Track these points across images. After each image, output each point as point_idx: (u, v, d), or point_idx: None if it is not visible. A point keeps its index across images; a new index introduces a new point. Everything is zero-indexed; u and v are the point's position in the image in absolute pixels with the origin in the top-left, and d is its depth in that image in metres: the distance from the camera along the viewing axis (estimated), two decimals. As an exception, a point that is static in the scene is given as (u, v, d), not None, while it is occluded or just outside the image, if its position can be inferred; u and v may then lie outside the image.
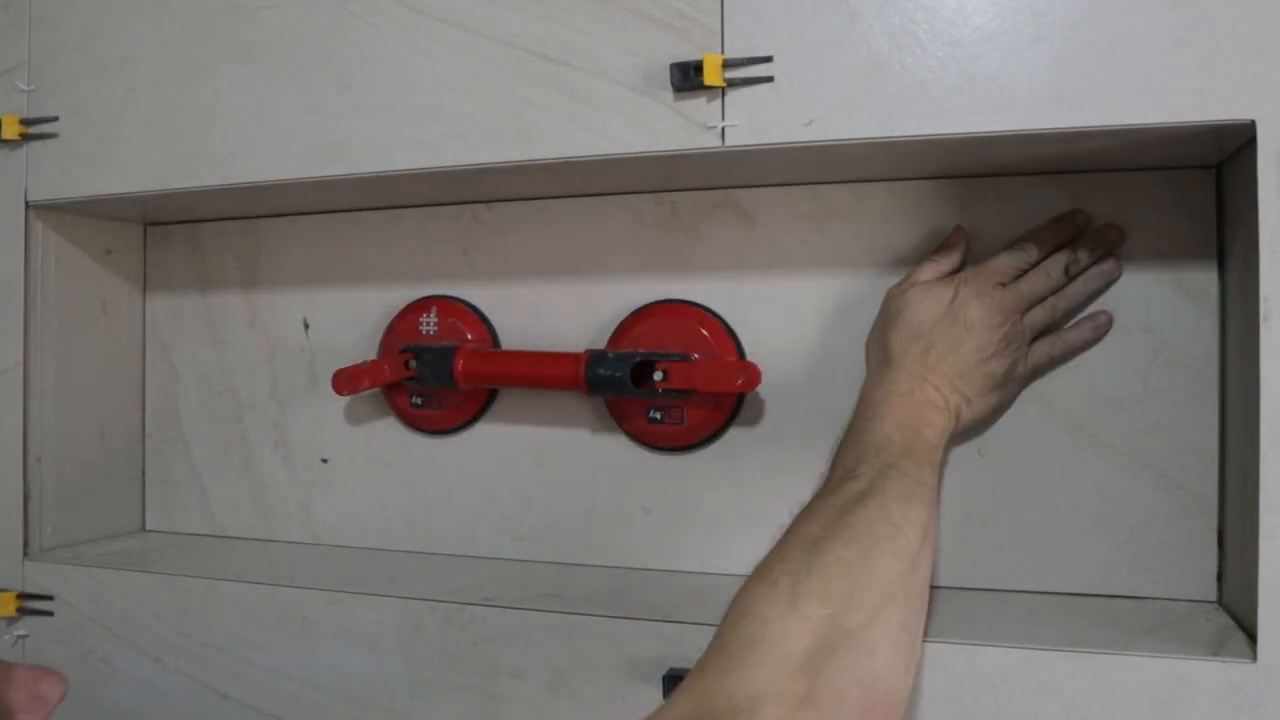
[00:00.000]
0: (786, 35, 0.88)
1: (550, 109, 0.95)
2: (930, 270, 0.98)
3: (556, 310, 1.16)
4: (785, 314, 1.07)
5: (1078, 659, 0.82)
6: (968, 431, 0.99)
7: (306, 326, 1.26)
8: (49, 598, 1.14)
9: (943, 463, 0.94)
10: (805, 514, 0.83)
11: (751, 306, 1.08)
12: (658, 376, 1.04)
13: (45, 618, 1.14)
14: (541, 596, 1.01)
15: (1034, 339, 0.97)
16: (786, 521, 1.06)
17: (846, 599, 0.74)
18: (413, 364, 1.15)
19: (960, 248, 1.00)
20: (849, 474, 0.84)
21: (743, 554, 1.07)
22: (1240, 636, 0.84)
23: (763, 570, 0.78)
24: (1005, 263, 0.96)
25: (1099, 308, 0.98)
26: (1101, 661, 0.81)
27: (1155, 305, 0.97)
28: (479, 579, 1.08)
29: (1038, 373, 0.99)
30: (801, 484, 1.06)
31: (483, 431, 1.19)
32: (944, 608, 0.95)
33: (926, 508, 0.83)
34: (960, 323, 0.93)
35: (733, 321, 1.09)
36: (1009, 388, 0.97)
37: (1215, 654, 0.80)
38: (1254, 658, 0.79)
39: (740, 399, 1.08)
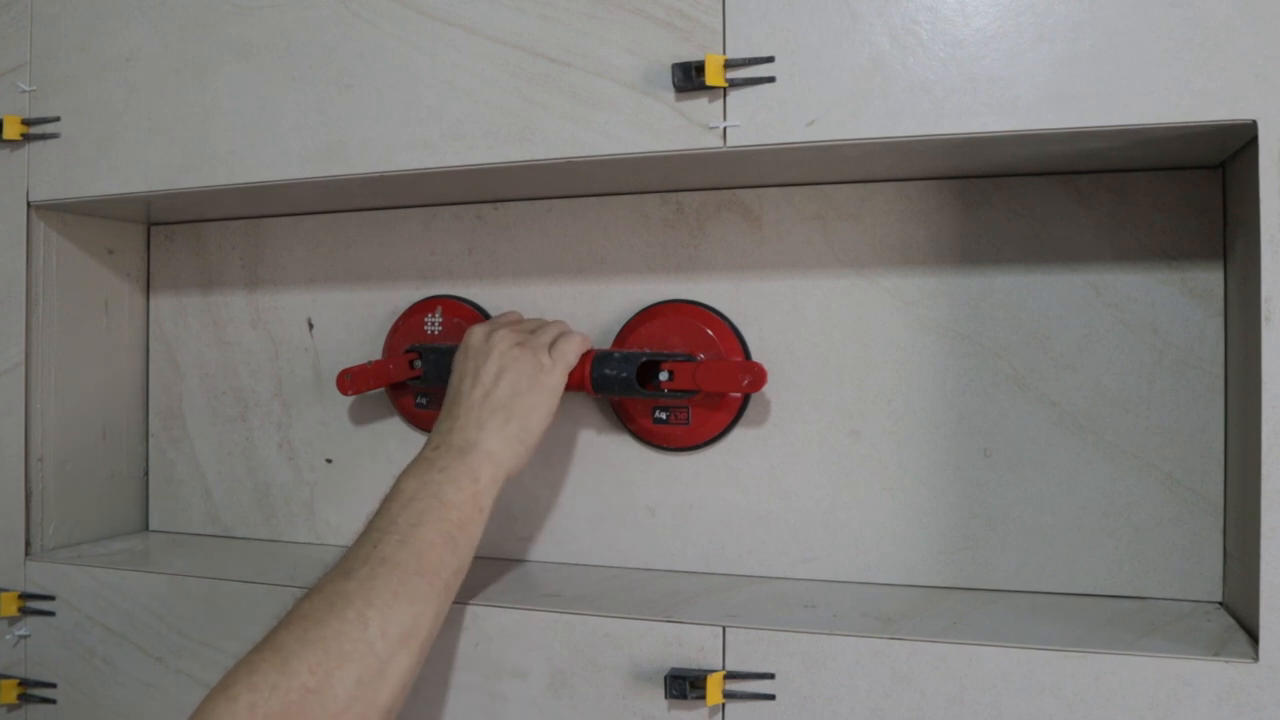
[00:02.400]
0: (788, 35, 0.88)
1: (551, 109, 0.95)
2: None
3: (562, 310, 1.15)
4: (791, 314, 1.07)
5: (1079, 659, 0.82)
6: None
7: (311, 326, 1.26)
8: (50, 597, 1.14)
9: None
10: (291, 614, 0.83)
11: (757, 307, 1.08)
12: (663, 377, 1.04)
13: (47, 617, 1.15)
14: (542, 596, 1.01)
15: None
16: (792, 522, 1.06)
17: None
18: (417, 364, 1.15)
19: None
20: (344, 573, 0.85)
21: (748, 554, 1.08)
22: (1242, 636, 0.84)
23: (231, 678, 0.77)
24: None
25: (1097, 308, 0.98)
26: (1103, 661, 0.81)
27: (1161, 305, 0.97)
28: (482, 579, 1.08)
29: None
30: (807, 484, 1.06)
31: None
32: (945, 608, 0.95)
33: (420, 602, 0.86)
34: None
35: (738, 322, 1.09)
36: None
37: (1217, 654, 0.80)
38: (1255, 658, 0.78)
39: (746, 399, 1.08)
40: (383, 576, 0.84)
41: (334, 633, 0.80)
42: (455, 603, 0.99)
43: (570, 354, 1.03)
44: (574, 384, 1.06)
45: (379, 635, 0.82)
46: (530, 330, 1.06)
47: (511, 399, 0.98)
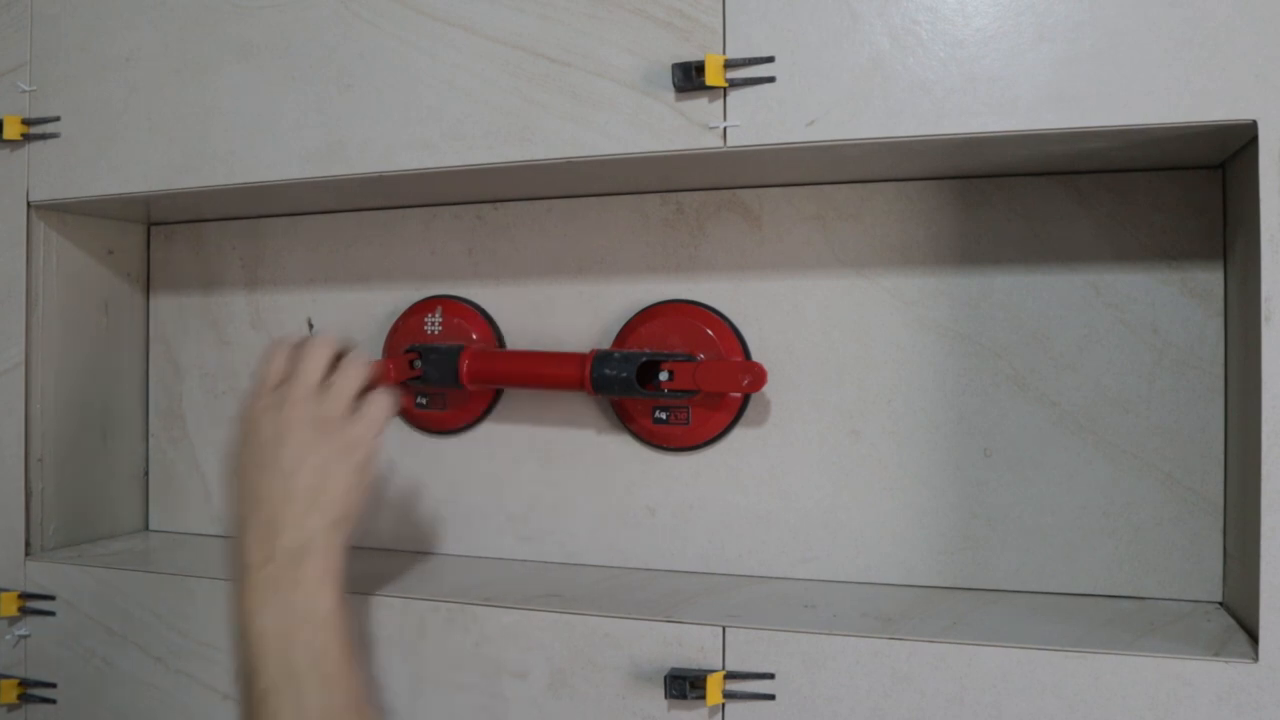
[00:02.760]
0: (788, 35, 0.88)
1: (551, 109, 0.95)
2: None
3: (562, 310, 1.16)
4: (791, 314, 1.07)
5: (1079, 659, 0.82)
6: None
7: (311, 326, 1.27)
8: (51, 597, 1.14)
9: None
10: None
11: (757, 307, 1.08)
12: (663, 376, 1.04)
13: (47, 617, 1.14)
14: (543, 596, 1.01)
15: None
16: (792, 522, 1.06)
17: None
18: (418, 364, 1.15)
19: None
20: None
21: (748, 554, 1.08)
22: (1242, 636, 0.84)
23: None
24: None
25: (1098, 308, 0.98)
26: (1103, 661, 0.81)
27: (1161, 305, 0.97)
28: (482, 579, 1.08)
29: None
30: (807, 484, 1.06)
31: (488, 431, 1.19)
32: (945, 608, 0.95)
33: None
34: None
35: (738, 322, 1.09)
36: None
37: (1217, 654, 0.80)
38: (1255, 658, 0.78)
39: (746, 399, 1.08)
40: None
41: None
42: (455, 603, 1.00)
43: (378, 418, 0.93)
44: (574, 384, 1.06)
45: None
46: (317, 386, 0.92)
47: (323, 483, 0.88)
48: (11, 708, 1.14)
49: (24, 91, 1.14)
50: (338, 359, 0.95)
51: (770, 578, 1.08)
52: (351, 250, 1.25)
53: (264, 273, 1.29)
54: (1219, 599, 0.95)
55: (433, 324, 1.19)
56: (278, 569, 0.85)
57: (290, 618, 0.84)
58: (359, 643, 0.87)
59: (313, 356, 0.93)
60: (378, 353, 1.22)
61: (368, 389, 0.94)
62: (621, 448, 1.13)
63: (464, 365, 1.11)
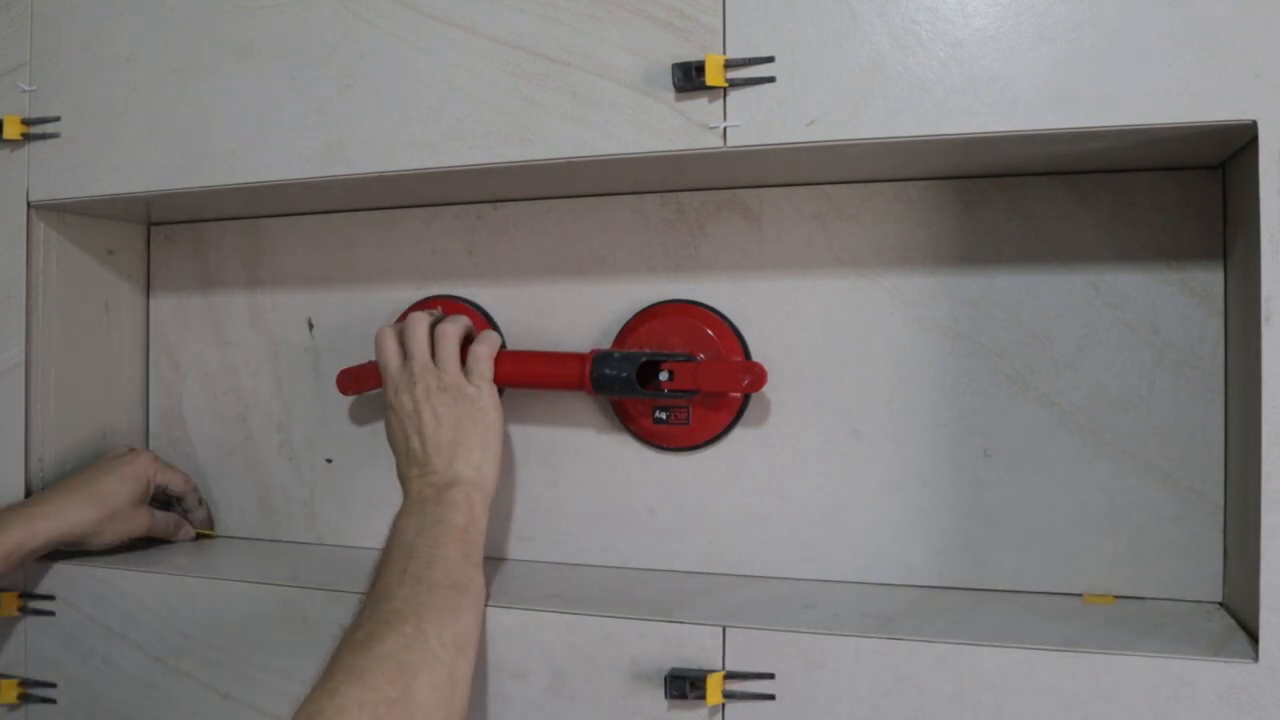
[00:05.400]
0: (788, 35, 0.88)
1: (551, 109, 0.95)
2: None
3: (562, 310, 1.16)
4: (791, 314, 1.07)
5: (1079, 659, 0.82)
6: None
7: (311, 326, 1.26)
8: (50, 597, 1.14)
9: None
10: (348, 643, 0.84)
11: (757, 307, 1.08)
12: (663, 377, 1.04)
13: (47, 617, 1.14)
14: (542, 596, 1.01)
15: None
16: (792, 521, 1.06)
17: None
18: (415, 364, 1.15)
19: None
20: (384, 597, 0.88)
21: (748, 554, 1.08)
22: (1242, 636, 0.84)
23: (314, 706, 0.78)
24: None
25: (1097, 308, 0.98)
26: (1102, 661, 0.81)
27: (1161, 305, 0.97)
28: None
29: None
30: (807, 484, 1.06)
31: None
32: (945, 607, 0.95)
33: (464, 612, 0.90)
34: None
35: (738, 322, 1.09)
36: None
37: (1217, 654, 0.80)
38: (1255, 658, 0.78)
39: (746, 399, 1.08)
40: (424, 594, 0.88)
41: (399, 647, 0.83)
42: (455, 603, 1.00)
43: (485, 368, 1.06)
44: (574, 384, 1.06)
45: (439, 645, 0.85)
46: (430, 361, 1.07)
47: (459, 435, 1.03)
48: (11, 707, 1.14)
49: (24, 91, 1.14)
50: (432, 329, 1.08)
51: (770, 578, 1.08)
52: (351, 250, 1.25)
53: (264, 273, 1.29)
54: (1219, 599, 0.95)
55: (433, 324, 1.18)
56: (428, 496, 1.00)
57: (424, 519, 0.97)
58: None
59: (416, 334, 1.07)
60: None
61: (466, 344, 1.08)
62: (621, 448, 1.13)
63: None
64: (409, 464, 1.04)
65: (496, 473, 1.04)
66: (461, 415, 1.03)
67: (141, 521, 1.18)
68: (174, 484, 1.24)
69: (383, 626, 0.84)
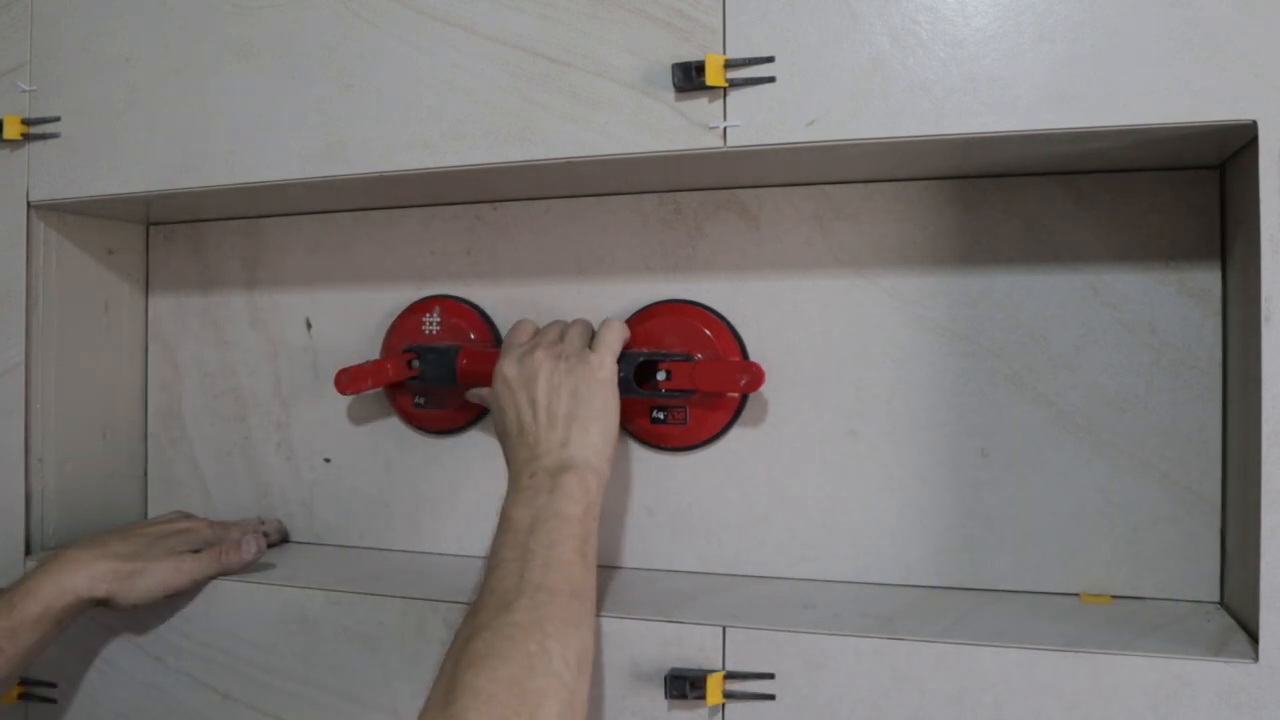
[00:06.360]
0: (788, 35, 0.88)
1: (551, 109, 0.95)
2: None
3: (560, 310, 1.15)
4: (789, 314, 1.07)
5: (1078, 659, 0.82)
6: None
7: (309, 326, 1.27)
8: (51, 597, 1.14)
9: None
10: (468, 657, 0.80)
11: (755, 307, 1.08)
12: (661, 376, 1.05)
13: (48, 617, 1.14)
14: (543, 596, 1.01)
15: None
16: (790, 521, 1.06)
17: None
18: (415, 364, 1.15)
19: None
20: (503, 606, 0.83)
21: (746, 554, 1.08)
22: (1242, 636, 0.85)
23: (430, 710, 0.76)
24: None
25: (1095, 308, 0.98)
26: (1102, 661, 0.81)
27: (1159, 305, 0.97)
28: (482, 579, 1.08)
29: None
30: (806, 484, 1.06)
31: (485, 431, 1.19)
32: (944, 607, 0.96)
33: (583, 624, 0.85)
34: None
35: (736, 322, 1.09)
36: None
37: (1216, 654, 0.80)
38: (1255, 658, 0.79)
39: (744, 399, 1.08)
40: (545, 604, 0.83)
41: (524, 669, 0.78)
42: (455, 603, 1.00)
43: (613, 340, 1.02)
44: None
45: (563, 665, 0.80)
46: (557, 338, 1.04)
47: (576, 408, 0.97)
48: (11, 707, 1.14)
49: (24, 91, 1.14)
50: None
51: (769, 577, 1.08)
52: (350, 250, 1.25)
53: (263, 272, 1.29)
54: (1216, 598, 0.95)
55: (431, 324, 1.19)
56: (539, 480, 0.93)
57: (538, 511, 0.90)
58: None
59: (551, 326, 1.06)
60: (375, 352, 1.22)
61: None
62: (620, 448, 1.13)
63: (462, 365, 1.11)
64: (519, 443, 0.97)
65: (611, 454, 0.98)
66: (579, 385, 0.97)
67: (184, 569, 1.07)
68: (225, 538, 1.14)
69: (506, 643, 0.79)
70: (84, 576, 1.02)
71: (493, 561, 0.89)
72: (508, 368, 1.01)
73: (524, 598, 0.83)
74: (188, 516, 1.19)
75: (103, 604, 1.04)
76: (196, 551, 1.10)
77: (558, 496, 0.91)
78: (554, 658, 0.80)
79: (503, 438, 1.01)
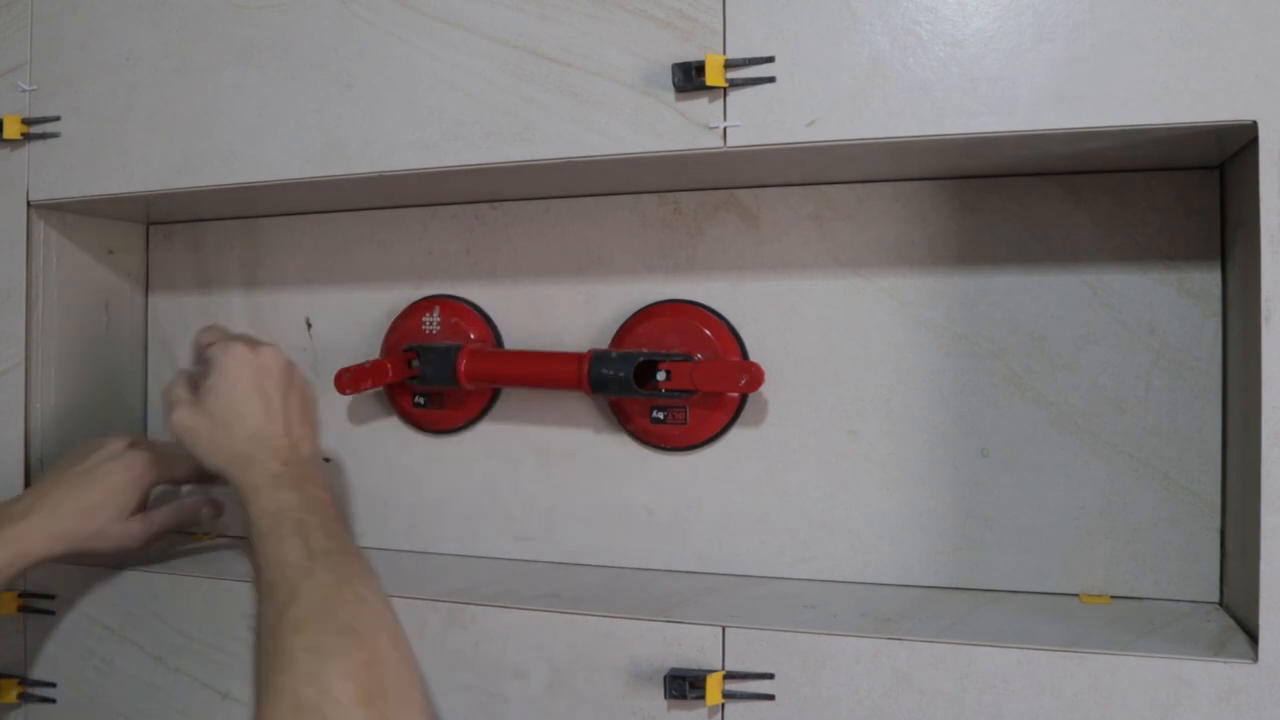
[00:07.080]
0: (788, 35, 0.88)
1: (551, 109, 0.95)
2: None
3: (559, 310, 1.16)
4: (788, 314, 1.07)
5: (1078, 659, 0.82)
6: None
7: (309, 326, 1.27)
8: (50, 596, 1.14)
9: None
10: (290, 626, 0.80)
11: (755, 307, 1.08)
12: (661, 376, 1.05)
13: (46, 616, 1.14)
14: (543, 596, 1.01)
15: None
16: (790, 522, 1.06)
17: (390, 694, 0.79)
18: (415, 364, 1.15)
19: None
20: (305, 572, 0.86)
21: (746, 554, 1.08)
22: (1241, 637, 0.85)
23: (276, 690, 0.76)
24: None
25: (1095, 308, 0.98)
26: (1101, 661, 0.81)
27: (1158, 306, 0.97)
28: (481, 579, 1.08)
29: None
30: (805, 484, 1.06)
31: (485, 431, 1.19)
32: (944, 608, 0.96)
33: (371, 572, 0.89)
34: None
35: (736, 322, 1.09)
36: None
37: (1216, 654, 0.80)
38: (1255, 658, 0.79)
39: (743, 399, 1.08)
40: (340, 562, 0.87)
41: (350, 615, 0.81)
42: (455, 603, 1.00)
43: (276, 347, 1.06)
44: (571, 384, 1.06)
45: (378, 600, 0.85)
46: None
47: (306, 404, 1.06)
48: (11, 707, 1.14)
49: (24, 91, 1.14)
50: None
51: (768, 577, 1.08)
52: (350, 250, 1.25)
53: (262, 272, 1.29)
54: (1215, 599, 0.95)
55: (430, 323, 1.19)
56: (299, 469, 0.98)
57: (307, 498, 0.94)
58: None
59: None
60: (375, 352, 1.22)
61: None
62: (619, 448, 1.13)
63: (461, 365, 1.11)
64: (251, 441, 1.00)
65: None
66: (300, 387, 1.06)
67: (134, 533, 1.09)
68: (179, 475, 1.15)
69: (330, 595, 0.83)
70: (41, 543, 1.02)
71: (260, 547, 0.91)
72: (217, 383, 1.03)
73: (323, 561, 0.87)
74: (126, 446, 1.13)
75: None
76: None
77: (318, 487, 0.97)
78: (368, 597, 0.84)
79: (232, 433, 1.02)
